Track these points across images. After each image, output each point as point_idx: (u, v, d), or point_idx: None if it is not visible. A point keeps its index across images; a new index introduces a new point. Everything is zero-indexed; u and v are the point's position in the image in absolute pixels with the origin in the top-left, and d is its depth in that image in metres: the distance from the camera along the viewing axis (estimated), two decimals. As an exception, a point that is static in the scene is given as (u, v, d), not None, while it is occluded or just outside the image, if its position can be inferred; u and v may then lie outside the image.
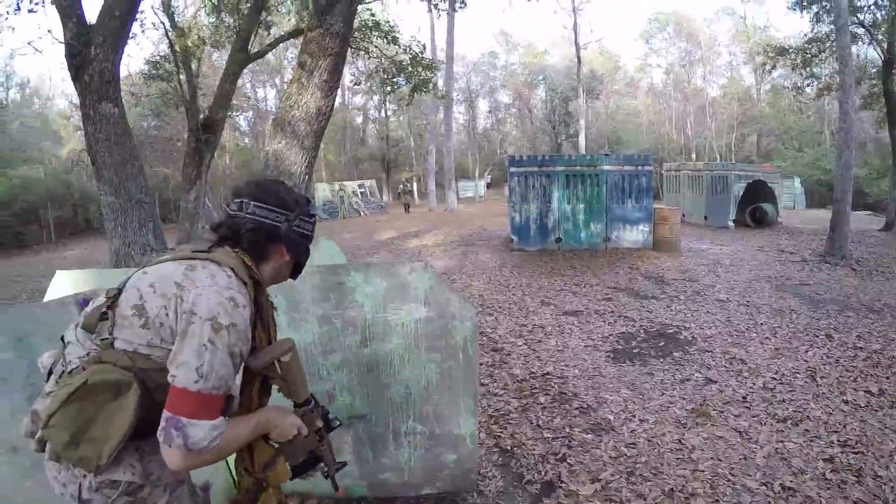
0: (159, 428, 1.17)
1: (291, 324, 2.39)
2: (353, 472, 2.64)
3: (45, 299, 2.46)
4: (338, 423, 1.63)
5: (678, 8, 56.18)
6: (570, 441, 3.34)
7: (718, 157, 35.24)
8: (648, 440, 3.33)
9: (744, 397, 3.92)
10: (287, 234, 1.42)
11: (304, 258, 1.54)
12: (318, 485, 2.67)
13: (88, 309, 1.33)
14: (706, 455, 3.11)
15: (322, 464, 1.56)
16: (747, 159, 32.99)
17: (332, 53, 5.85)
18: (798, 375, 4.29)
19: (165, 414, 1.17)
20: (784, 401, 3.84)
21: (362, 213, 24.61)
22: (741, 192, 14.01)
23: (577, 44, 27.80)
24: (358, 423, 2.54)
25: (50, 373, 1.34)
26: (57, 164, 28.98)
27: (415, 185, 33.38)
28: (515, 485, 2.90)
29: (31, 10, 8.23)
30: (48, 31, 8.36)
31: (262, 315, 1.40)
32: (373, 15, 10.76)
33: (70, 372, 1.24)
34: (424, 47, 11.30)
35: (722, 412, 3.69)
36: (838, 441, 3.22)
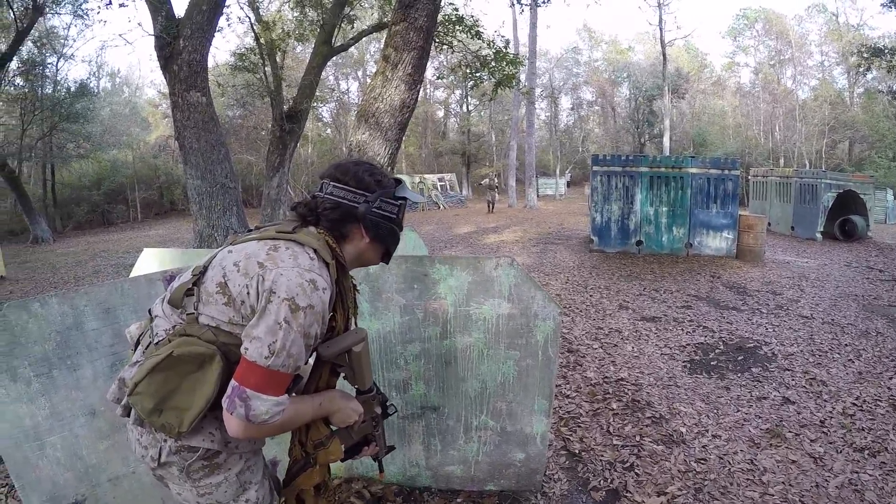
0: (225, 395, 1.22)
1: (374, 312, 2.45)
2: (420, 461, 2.68)
3: (132, 275, 2.62)
4: (394, 410, 1.65)
5: (766, 4, 53.07)
6: (639, 450, 3.25)
7: (807, 163, 33.01)
8: (720, 457, 3.19)
9: (821, 421, 3.69)
10: (365, 215, 1.42)
11: (391, 241, 1.53)
12: (385, 470, 2.72)
13: (175, 284, 1.39)
14: (777, 479, 2.96)
15: (372, 446, 1.59)
16: (838, 167, 30.65)
17: (416, 47, 5.91)
18: (880, 403, 3.98)
19: (233, 383, 1.21)
20: (863, 429, 3.58)
21: (442, 206, 24.78)
22: (830, 203, 13.09)
23: (662, 40, 26.80)
24: (431, 413, 2.56)
25: (137, 343, 1.42)
26: (145, 148, 30.93)
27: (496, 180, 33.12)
28: (580, 490, 2.85)
29: (122, 5, 8.76)
30: (139, 24, 8.92)
31: (343, 297, 1.44)
32: (456, 10, 10.77)
33: (157, 343, 1.31)
34: (508, 42, 11.20)
35: (798, 435, 3.49)
36: None
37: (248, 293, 1.25)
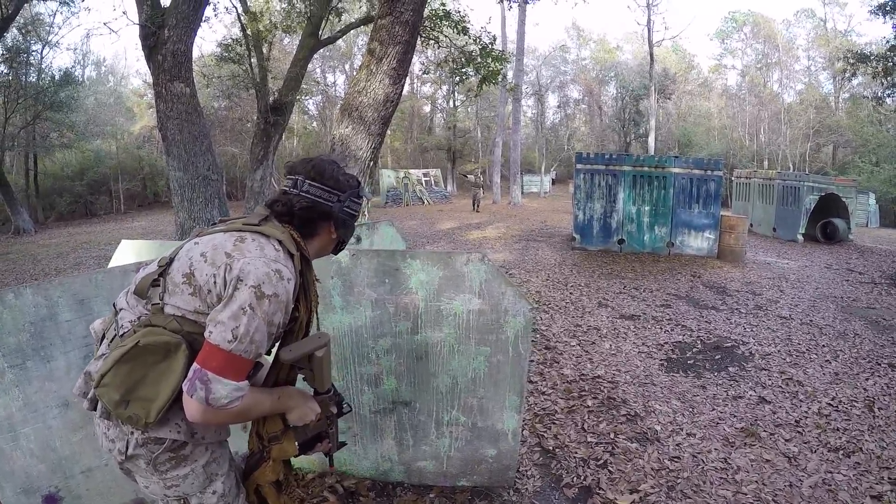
0: (186, 378, 1.23)
1: (345, 306, 2.43)
2: (392, 456, 2.68)
3: (110, 266, 2.59)
4: (349, 409, 1.67)
5: (755, 7, 53.46)
6: (613, 448, 3.26)
7: (791, 166, 33.43)
8: (693, 455, 3.21)
9: (797, 421, 3.72)
10: (338, 213, 1.48)
11: (349, 236, 1.60)
12: (357, 465, 2.72)
13: (140, 275, 1.41)
14: (751, 477, 2.98)
15: (325, 443, 1.61)
16: (821, 171, 31.12)
17: (402, 41, 5.88)
18: (856, 404, 4.04)
19: (195, 366, 1.22)
20: (838, 429, 3.62)
21: (426, 202, 24.69)
22: (812, 205, 13.26)
23: (649, 41, 26.95)
24: (402, 408, 2.55)
25: (102, 338, 1.42)
26: (129, 139, 30.54)
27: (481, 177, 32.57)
28: (553, 486, 2.86)
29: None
30: (123, 12, 8.80)
31: (306, 288, 1.46)
32: (443, 4, 10.73)
33: (122, 335, 1.31)
34: (495, 38, 11.18)
35: (772, 434, 3.52)
36: (889, 478, 3.01)
37: (214, 282, 1.27)
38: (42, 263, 11.24)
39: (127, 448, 1.33)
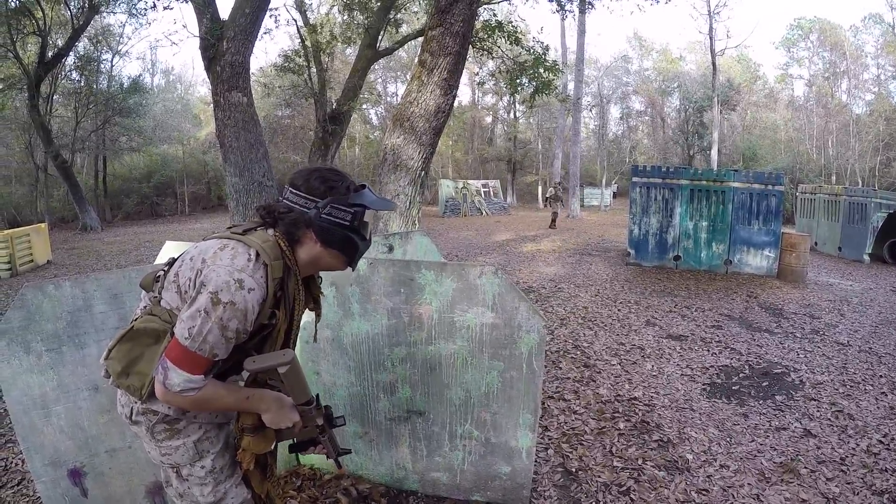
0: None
1: (363, 313, 2.46)
2: (406, 465, 2.68)
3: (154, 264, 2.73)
4: (341, 422, 1.67)
5: (821, 14, 50.75)
6: (639, 474, 3.12)
7: (860, 181, 31.40)
8: (724, 489, 3.03)
9: (842, 459, 3.44)
10: (315, 221, 1.46)
11: (347, 247, 1.53)
12: (373, 470, 2.73)
13: (147, 272, 1.61)
14: None
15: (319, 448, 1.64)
16: (892, 186, 29.08)
17: (452, 52, 5.94)
18: None
19: (164, 351, 1.38)
20: (886, 470, 3.32)
21: (484, 213, 24.65)
22: (880, 223, 12.42)
23: (712, 50, 25.99)
24: (416, 418, 2.55)
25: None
26: (195, 144, 31.94)
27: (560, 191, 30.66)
28: (570, 509, 2.78)
29: (166, 7, 9.09)
30: (183, 25, 9.26)
31: (287, 296, 1.50)
32: (495, 15, 10.75)
33: (134, 319, 1.51)
34: (548, 48, 11.10)
35: (813, 472, 3.27)
36: None
37: (189, 285, 1.40)
38: (105, 259, 11.90)
39: (131, 414, 1.53)
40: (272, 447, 1.63)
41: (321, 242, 1.50)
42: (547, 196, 18.56)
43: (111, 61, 23.85)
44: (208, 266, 1.37)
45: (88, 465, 2.18)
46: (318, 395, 1.63)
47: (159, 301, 1.47)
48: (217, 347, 1.36)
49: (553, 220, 18.23)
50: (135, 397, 1.47)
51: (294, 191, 1.48)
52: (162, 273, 1.51)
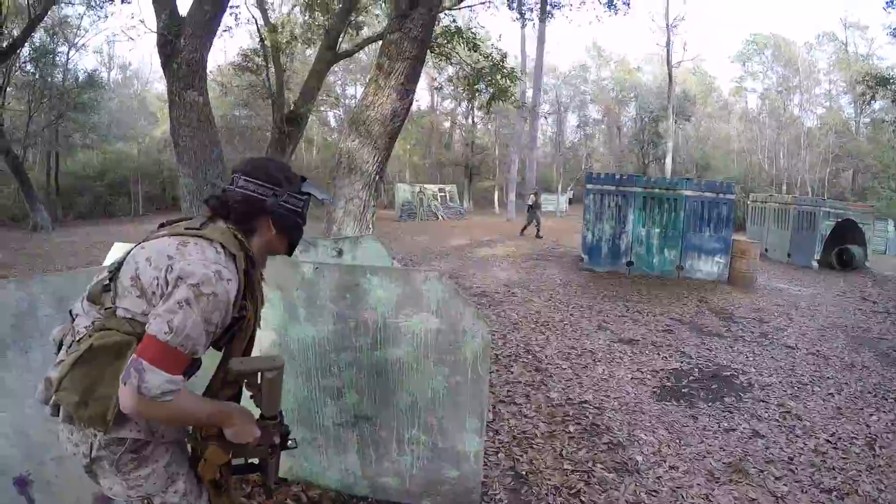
0: (125, 367, 1.24)
1: (309, 318, 2.42)
2: (356, 471, 2.65)
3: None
4: (293, 445, 1.64)
5: (777, 30, 53.08)
6: (589, 477, 3.16)
7: (810, 191, 32.93)
8: (673, 490, 3.09)
9: (790, 458, 3.57)
10: (273, 208, 1.48)
11: (295, 235, 1.59)
12: (322, 476, 2.69)
13: (93, 282, 1.44)
14: None
15: (264, 473, 1.59)
16: (840, 196, 30.52)
17: (410, 57, 5.93)
18: (856, 441, 3.87)
19: (133, 356, 1.24)
20: (834, 468, 3.46)
21: (440, 217, 24.68)
22: (828, 231, 13.02)
23: (669, 62, 26.85)
24: (364, 423, 2.52)
25: (60, 345, 1.45)
26: (150, 143, 31.10)
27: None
28: (521, 513, 2.79)
29: (124, 1, 8.80)
30: (141, 20, 8.95)
31: (252, 288, 1.48)
32: (454, 21, 10.81)
33: (79, 341, 1.35)
34: (505, 55, 11.22)
35: (762, 471, 3.37)
36: None
37: (157, 284, 1.31)
38: (56, 261, 11.44)
39: (91, 451, 1.36)
40: (227, 460, 1.52)
41: (277, 229, 1.52)
42: (529, 204, 17.38)
43: (67, 54, 22.95)
44: (178, 261, 1.31)
45: (35, 474, 2.10)
46: (281, 412, 1.57)
47: (114, 312, 1.35)
48: (198, 343, 1.30)
49: (537, 229, 17.01)
50: (98, 428, 1.31)
51: (249, 179, 1.47)
52: (109, 282, 1.39)
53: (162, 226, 1.51)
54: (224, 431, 1.45)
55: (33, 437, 2.06)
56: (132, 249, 1.43)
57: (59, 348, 1.44)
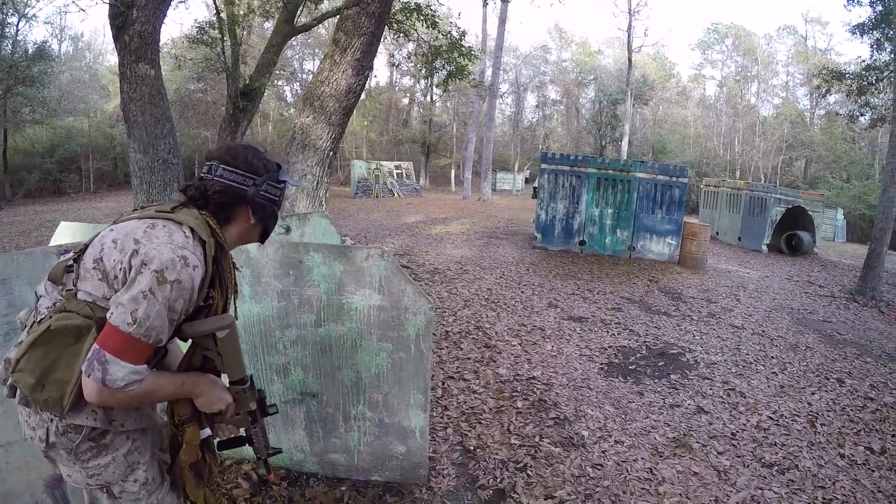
0: (85, 358, 1.23)
1: (254, 295, 2.41)
2: (304, 447, 2.67)
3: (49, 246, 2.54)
4: (274, 410, 1.64)
5: (738, 21, 54.32)
6: (535, 451, 3.25)
7: (763, 178, 34.06)
8: (618, 464, 3.19)
9: (733, 434, 3.71)
10: (253, 198, 1.46)
11: (272, 223, 1.57)
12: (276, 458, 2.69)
13: (56, 263, 1.43)
14: (675, 489, 2.95)
15: (253, 445, 1.60)
16: (792, 184, 31.70)
17: (367, 33, 5.85)
18: (797, 419, 4.04)
19: (94, 346, 1.23)
20: (775, 444, 3.61)
21: (396, 195, 24.50)
22: (778, 217, 13.51)
23: (629, 47, 27.11)
24: (311, 400, 2.53)
25: (25, 326, 1.42)
26: (102, 117, 29.74)
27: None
28: (467, 487, 2.85)
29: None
30: (94, -12, 8.57)
31: (221, 275, 1.46)
32: (414, -4, 10.67)
33: (39, 321, 1.33)
34: (464, 34, 11.15)
35: (705, 446, 3.50)
36: (823, 498, 3.00)
37: (120, 268, 1.28)
38: (3, 241, 10.93)
39: (47, 436, 1.34)
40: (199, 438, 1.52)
41: (255, 218, 1.50)
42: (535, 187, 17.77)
43: (17, 25, 21.66)
44: (144, 245, 1.28)
45: None
46: (251, 377, 1.56)
47: (75, 294, 1.32)
48: (162, 332, 1.28)
49: None
50: (54, 412, 1.29)
51: (229, 168, 1.44)
52: (73, 263, 1.36)
53: (135, 211, 1.47)
54: (195, 403, 1.45)
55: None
56: (100, 231, 1.39)
57: (24, 330, 1.42)
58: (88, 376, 1.21)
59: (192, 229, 1.35)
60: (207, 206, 1.43)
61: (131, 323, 1.22)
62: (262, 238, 1.61)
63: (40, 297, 1.40)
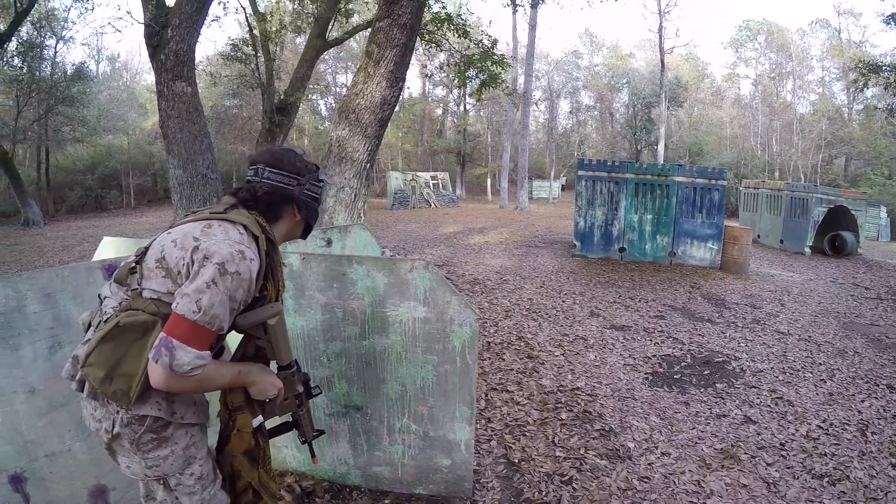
0: (153, 345, 1.33)
1: (298, 308, 2.41)
2: (348, 460, 2.66)
3: (92, 261, 2.61)
4: (318, 391, 1.77)
5: (770, 16, 52.94)
6: (581, 464, 3.16)
7: (802, 177, 33.01)
8: (665, 476, 3.09)
9: (782, 444, 3.57)
10: (299, 196, 1.60)
11: (314, 219, 1.72)
12: (315, 466, 2.70)
13: (121, 265, 1.55)
14: (724, 503, 2.84)
15: (300, 429, 1.72)
16: (833, 182, 30.62)
17: (399, 44, 5.88)
18: (848, 427, 3.86)
19: (161, 334, 1.32)
20: (825, 454, 3.45)
21: (433, 205, 24.60)
22: (821, 217, 13.04)
23: (661, 48, 26.73)
24: (355, 413, 2.52)
25: (89, 327, 1.54)
26: (140, 135, 30.75)
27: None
28: (512, 500, 2.78)
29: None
30: (128, 11, 8.88)
31: (273, 269, 1.57)
32: (444, 7, 10.71)
33: (106, 320, 1.43)
34: (496, 42, 11.15)
35: (754, 457, 3.37)
36: None
37: (183, 263, 1.38)
38: (48, 256, 11.36)
39: (113, 427, 1.43)
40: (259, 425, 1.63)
41: (300, 216, 1.64)
42: None
43: (55, 47, 22.68)
44: (204, 241, 1.38)
45: (28, 471, 2.08)
46: (296, 360, 1.67)
47: (140, 293, 1.43)
48: (223, 320, 1.38)
49: None
50: (122, 403, 1.39)
51: (275, 170, 1.56)
52: (135, 265, 1.47)
53: (187, 216, 1.57)
54: (249, 391, 1.56)
55: (26, 433, 2.05)
56: (159, 235, 1.50)
57: (87, 330, 1.52)
58: (156, 362, 1.30)
59: (244, 226, 1.47)
60: (257, 206, 1.55)
61: (196, 311, 1.31)
62: (305, 234, 1.74)
63: (105, 298, 1.50)
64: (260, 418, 1.62)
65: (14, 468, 2.04)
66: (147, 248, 1.49)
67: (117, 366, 1.36)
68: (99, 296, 1.55)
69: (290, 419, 1.73)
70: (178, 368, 1.30)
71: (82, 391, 1.45)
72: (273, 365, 1.68)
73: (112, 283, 1.52)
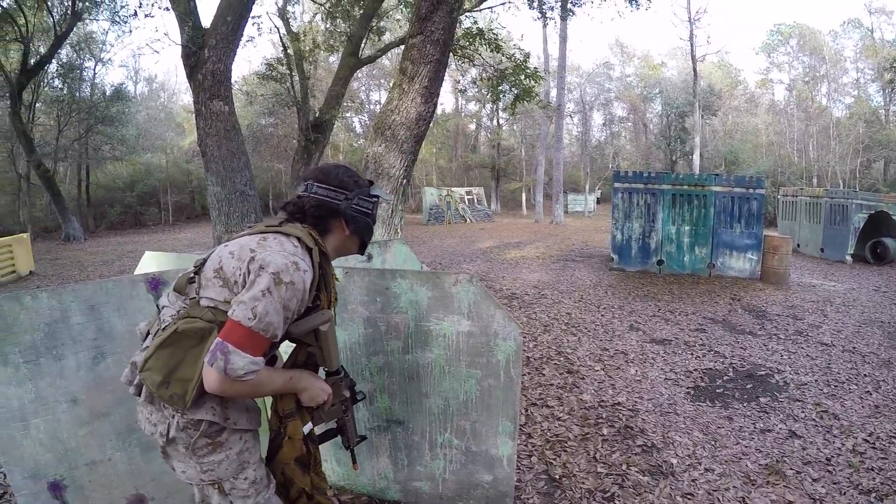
0: (208, 350, 1.37)
1: (340, 322, 2.44)
2: (388, 475, 2.66)
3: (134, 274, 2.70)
4: (362, 396, 1.81)
5: (800, 19, 51.65)
6: (623, 480, 3.11)
7: (841, 183, 31.88)
8: (709, 493, 3.01)
9: (828, 459, 3.45)
10: (346, 211, 1.64)
11: (367, 233, 1.75)
12: (355, 481, 2.70)
13: (180, 275, 1.62)
14: None
15: (345, 435, 1.76)
16: (872, 187, 29.46)
17: (433, 60, 5.93)
18: (895, 441, 3.72)
19: (217, 339, 1.37)
20: (873, 469, 3.32)
21: (468, 220, 24.65)
22: (861, 224, 12.59)
23: (693, 56, 26.32)
24: (396, 427, 2.53)
25: (146, 336, 1.59)
26: (178, 153, 31.71)
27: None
28: (555, 517, 2.75)
29: (147, 15, 9.03)
30: (165, 33, 9.21)
31: (325, 280, 1.62)
32: (476, 23, 10.80)
33: (164, 328, 1.48)
34: (528, 55, 11.17)
35: (799, 473, 3.26)
36: None
37: (240, 273, 1.44)
38: (88, 270, 11.75)
39: (168, 431, 1.47)
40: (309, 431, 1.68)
41: (349, 230, 1.68)
42: None
43: (94, 69, 23.68)
44: (260, 253, 1.44)
45: (68, 478, 2.14)
46: (343, 367, 1.72)
47: (198, 301, 1.48)
48: (277, 328, 1.41)
49: None
50: (178, 407, 1.43)
51: (321, 185, 1.63)
52: (194, 275, 1.54)
53: (244, 229, 1.65)
54: (300, 397, 1.61)
55: (67, 442, 2.11)
56: (217, 248, 1.57)
57: (145, 339, 1.57)
58: (211, 365, 1.33)
59: (298, 239, 1.52)
60: (306, 219, 1.60)
61: (251, 318, 1.35)
62: (361, 250, 1.78)
63: (163, 307, 1.55)
64: (310, 425, 1.66)
65: (54, 475, 2.11)
66: (205, 260, 1.55)
67: (174, 371, 1.40)
68: (157, 304, 1.62)
69: (336, 425, 1.77)
70: (233, 372, 1.33)
71: (139, 395, 1.50)
72: (321, 372, 1.72)
73: (171, 292, 1.57)
